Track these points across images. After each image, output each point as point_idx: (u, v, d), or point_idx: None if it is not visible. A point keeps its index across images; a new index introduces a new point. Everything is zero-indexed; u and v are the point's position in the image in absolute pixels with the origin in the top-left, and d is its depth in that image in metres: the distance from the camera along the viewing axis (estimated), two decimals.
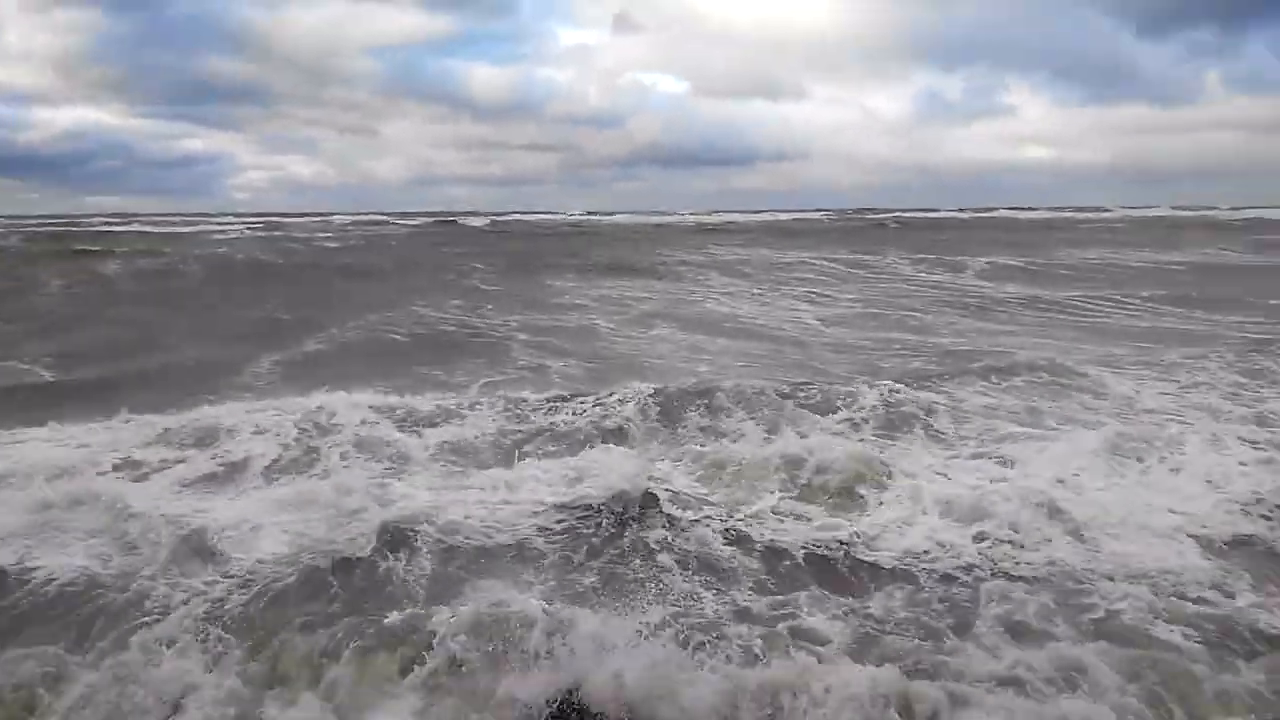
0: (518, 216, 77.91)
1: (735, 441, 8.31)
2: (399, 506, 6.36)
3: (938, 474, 7.29)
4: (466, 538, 5.90)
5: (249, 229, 51.77)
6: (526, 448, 8.22)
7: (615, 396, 9.56)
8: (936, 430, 8.70)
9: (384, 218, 72.45)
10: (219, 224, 60.00)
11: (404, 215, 77.42)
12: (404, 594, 5.19)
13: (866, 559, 5.71)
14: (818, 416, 9.09)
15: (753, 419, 9.02)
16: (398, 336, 15.38)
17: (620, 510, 6.30)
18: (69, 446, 8.08)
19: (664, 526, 6.08)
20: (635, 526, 6.10)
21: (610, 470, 6.97)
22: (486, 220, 66.90)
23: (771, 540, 5.95)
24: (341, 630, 4.64)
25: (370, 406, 9.22)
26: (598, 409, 9.26)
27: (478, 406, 9.47)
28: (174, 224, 58.57)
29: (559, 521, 6.21)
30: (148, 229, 49.84)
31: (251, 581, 5.26)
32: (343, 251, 36.39)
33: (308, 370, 11.94)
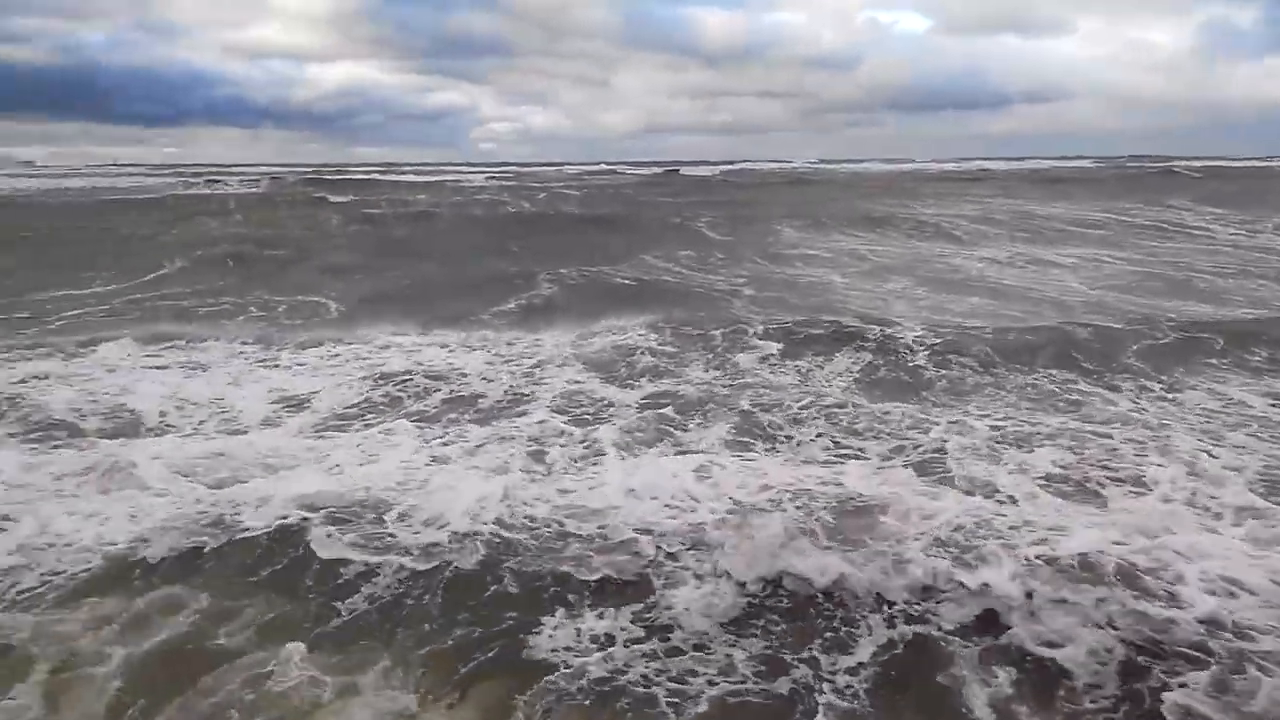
0: (747, 165, 76.67)
1: None
2: None
3: None
4: None
5: (491, 179, 54.71)
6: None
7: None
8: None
9: (612, 167, 73.96)
10: (466, 174, 64.06)
11: (634, 164, 78.59)
12: None
13: None
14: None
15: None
16: (624, 282, 15.41)
17: None
18: None
19: None
20: None
21: None
22: (715, 170, 66.48)
23: None
24: None
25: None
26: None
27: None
28: (429, 174, 63.16)
29: None
30: (409, 178, 54.04)
31: None
32: (574, 201, 37.39)
33: (536, 314, 12.30)
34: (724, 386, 8.48)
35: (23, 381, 8.63)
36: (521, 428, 7.27)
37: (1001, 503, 5.55)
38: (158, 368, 9.40)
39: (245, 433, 7.29)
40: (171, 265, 18.08)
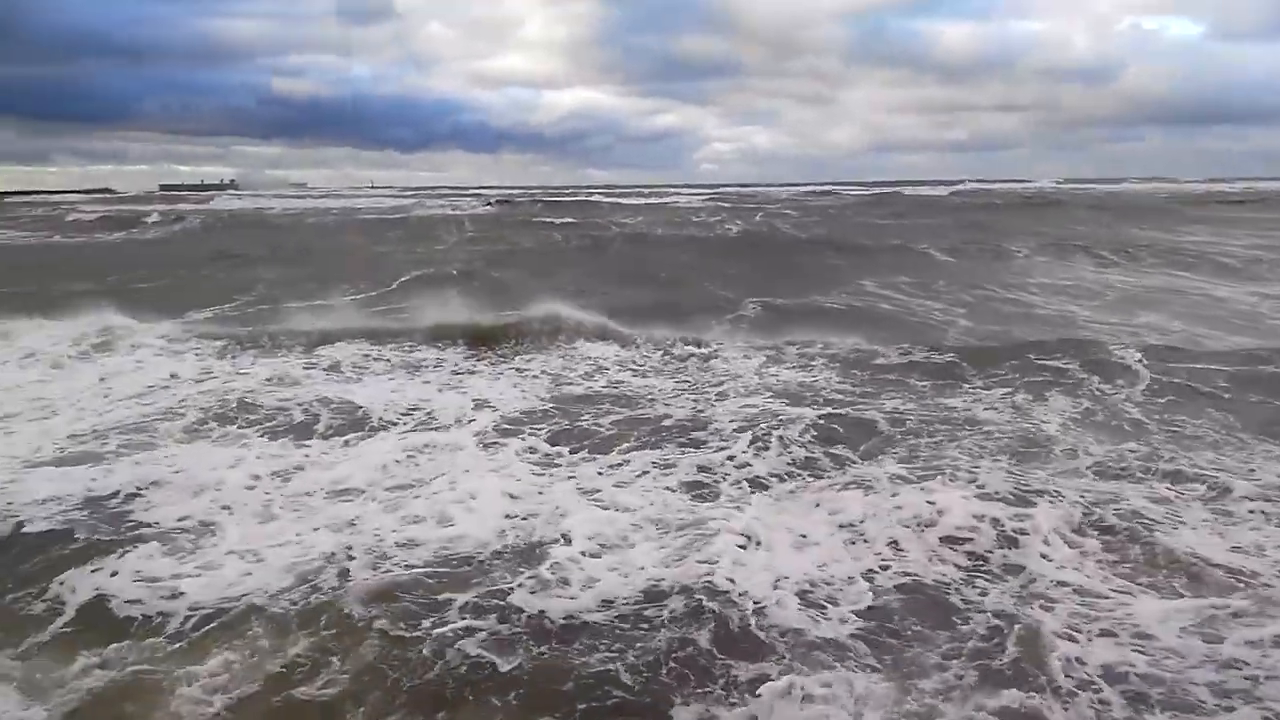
0: (980, 185, 72.36)
1: None
2: None
3: None
4: None
5: (710, 200, 55.14)
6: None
7: None
8: None
9: (832, 188, 72.36)
10: (684, 194, 65.16)
11: (857, 184, 76.51)
12: None
13: None
14: None
15: None
16: (834, 306, 14.79)
17: None
18: None
19: None
20: None
21: None
22: (944, 190, 63.29)
23: None
24: None
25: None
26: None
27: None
28: (647, 195, 64.72)
29: None
30: (630, 200, 55.64)
31: None
32: (789, 222, 36.74)
33: (739, 336, 11.98)
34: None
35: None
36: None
37: None
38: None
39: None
40: (408, 276, 19.42)
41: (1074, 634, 4.28)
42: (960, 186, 69.16)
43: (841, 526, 5.55)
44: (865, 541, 5.35)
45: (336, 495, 6.26)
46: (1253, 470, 6.49)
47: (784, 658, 4.14)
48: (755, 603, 4.59)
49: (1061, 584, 4.80)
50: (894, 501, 5.85)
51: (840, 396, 8.94)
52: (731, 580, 4.80)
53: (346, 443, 7.55)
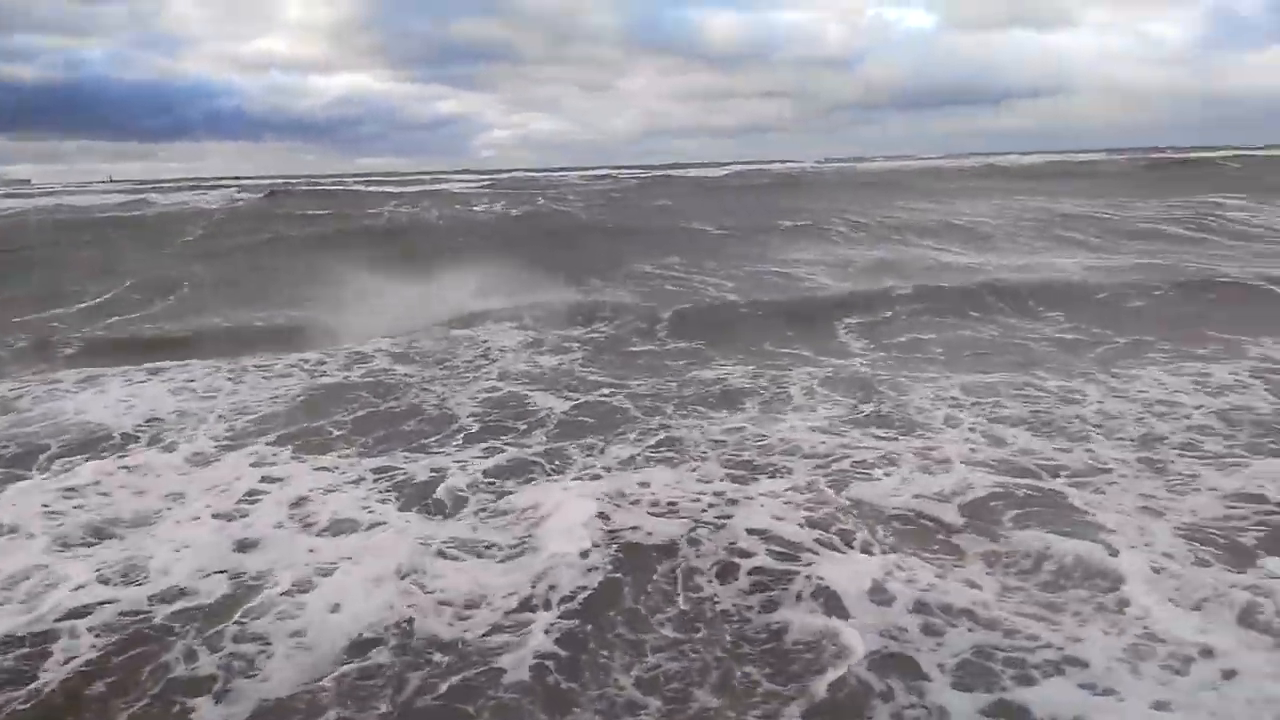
0: (747, 167, 75.89)
1: None
2: None
3: None
4: None
5: (486, 187, 54.14)
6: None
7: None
8: None
9: (612, 171, 73.39)
10: (458, 181, 63.69)
11: (638, 168, 77.95)
12: None
13: None
14: None
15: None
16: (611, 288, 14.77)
17: None
18: None
19: None
20: None
21: None
22: (719, 171, 65.84)
23: None
24: None
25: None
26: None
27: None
28: (417, 183, 62.54)
29: None
30: (388, 188, 53.47)
31: None
32: (570, 205, 36.71)
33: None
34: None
35: None
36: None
37: None
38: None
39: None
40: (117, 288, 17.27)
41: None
42: (735, 168, 72.22)
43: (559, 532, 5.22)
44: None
45: None
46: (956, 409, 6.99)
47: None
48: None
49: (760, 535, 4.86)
50: (600, 486, 5.75)
51: (597, 379, 8.87)
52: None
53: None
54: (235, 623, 4.20)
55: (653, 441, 6.78)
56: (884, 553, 4.73)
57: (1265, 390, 7.49)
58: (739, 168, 73.42)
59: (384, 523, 5.38)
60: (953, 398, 7.67)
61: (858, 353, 9.76)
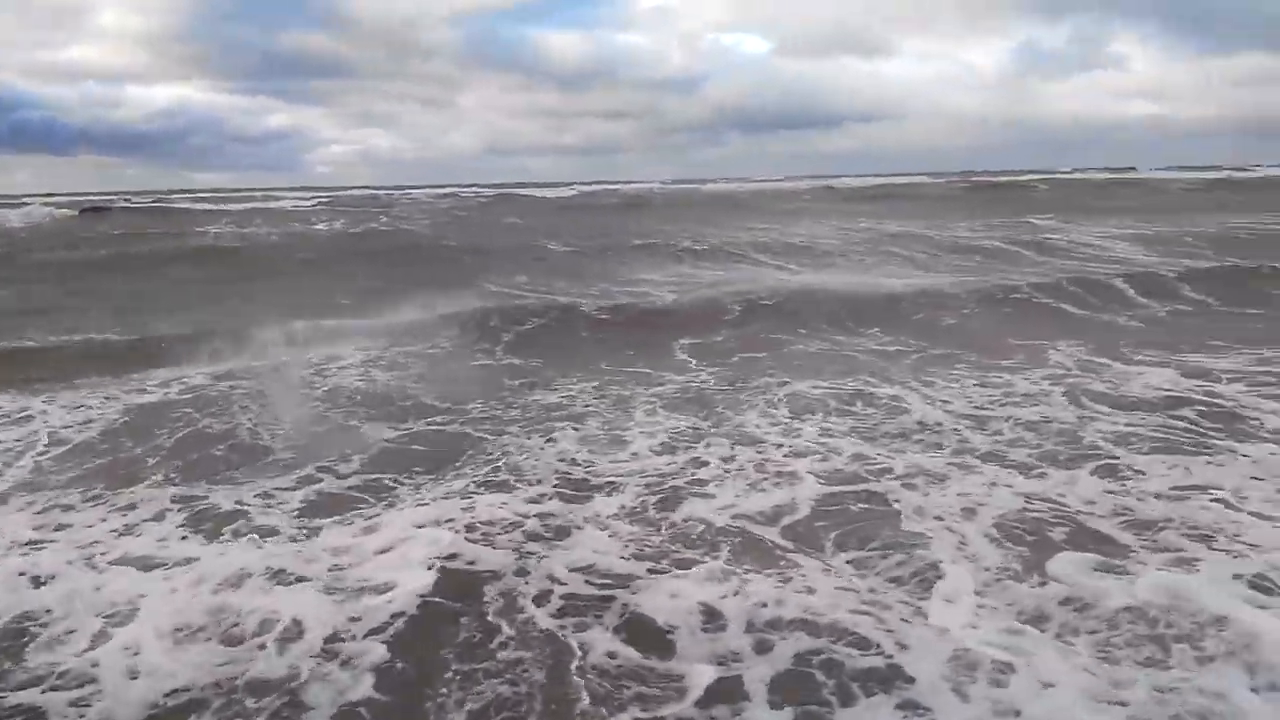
0: (595, 186, 76.56)
1: None
2: None
3: None
4: None
5: (321, 204, 52.05)
6: None
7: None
8: None
9: (457, 189, 72.33)
10: (289, 198, 61.06)
11: (483, 186, 77.01)
12: None
13: None
14: None
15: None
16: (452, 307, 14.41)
17: None
18: None
19: None
20: None
21: None
22: (567, 190, 66.04)
23: None
24: None
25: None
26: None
27: None
28: (245, 200, 59.39)
29: None
30: (223, 205, 50.59)
31: None
32: (414, 224, 35.77)
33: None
34: None
35: None
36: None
37: None
38: None
39: None
40: None
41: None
42: (582, 188, 72.60)
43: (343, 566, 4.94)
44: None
45: None
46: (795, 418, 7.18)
47: None
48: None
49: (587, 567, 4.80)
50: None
51: (431, 401, 8.60)
52: None
53: None
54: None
55: (485, 465, 6.58)
56: (720, 569, 4.72)
57: (1062, 396, 8.11)
58: (586, 187, 73.85)
59: (191, 558, 4.95)
60: (787, 410, 7.89)
61: (695, 369, 9.91)
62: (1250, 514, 5.20)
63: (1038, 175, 75.92)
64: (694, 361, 10.30)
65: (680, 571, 4.71)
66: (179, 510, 5.74)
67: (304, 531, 5.38)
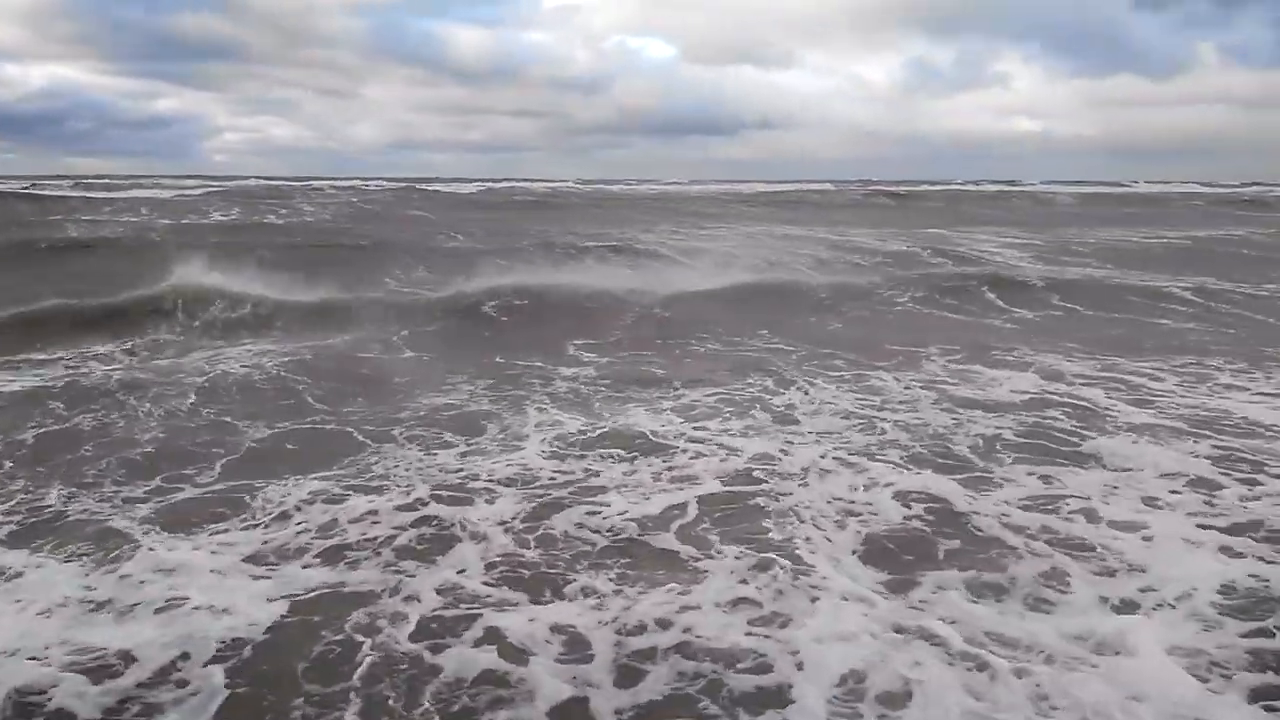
0: (501, 184, 75.85)
1: None
2: None
3: None
4: None
5: (210, 193, 50.04)
6: None
7: None
8: None
9: (360, 182, 70.54)
10: (184, 187, 58.52)
11: (385, 179, 75.19)
12: None
13: None
14: None
15: None
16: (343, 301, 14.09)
17: None
18: None
19: None
20: None
21: None
22: (470, 187, 65.27)
23: None
24: None
25: None
26: None
27: None
28: (142, 186, 56.63)
29: None
30: (103, 193, 48.06)
31: None
32: (307, 217, 34.76)
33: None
34: None
35: None
36: None
37: None
38: None
39: None
40: None
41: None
42: (488, 185, 71.78)
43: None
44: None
45: None
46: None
47: None
48: None
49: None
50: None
51: (315, 399, 8.44)
52: None
53: None
54: None
55: (357, 469, 6.45)
56: (600, 581, 4.69)
57: (932, 401, 8.51)
58: (492, 185, 73.02)
59: (18, 574, 4.68)
60: (673, 412, 8.01)
61: (590, 370, 9.97)
62: (1109, 523, 5.37)
63: (934, 186, 78.96)
64: (589, 361, 10.38)
65: (550, 591, 4.57)
66: (16, 522, 5.45)
67: (143, 547, 5.04)
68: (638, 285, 16.42)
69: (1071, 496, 5.86)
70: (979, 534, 5.29)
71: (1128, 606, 4.39)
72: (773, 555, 4.94)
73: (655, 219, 35.14)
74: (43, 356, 10.09)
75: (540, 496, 5.89)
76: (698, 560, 4.93)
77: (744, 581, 4.65)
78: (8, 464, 6.51)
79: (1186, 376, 9.33)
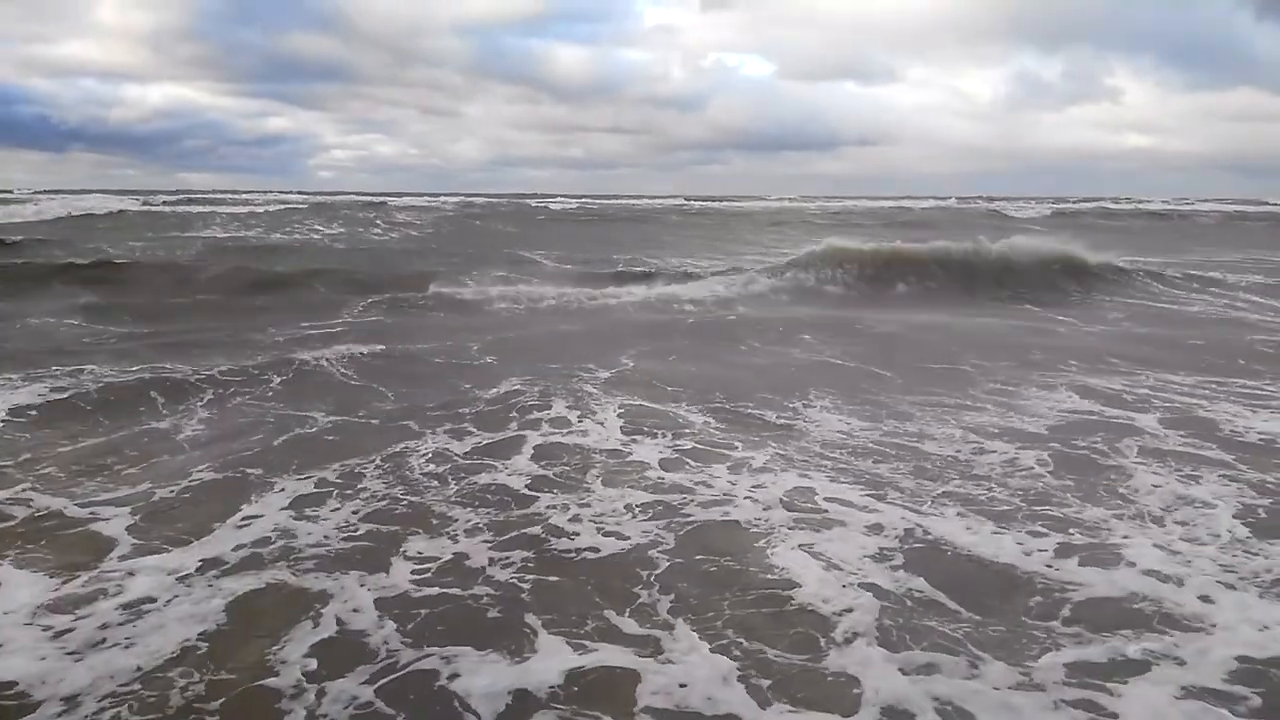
0: (603, 201, 75.95)
1: None
2: None
3: None
4: None
5: (292, 207, 51.33)
6: None
7: None
8: None
9: (465, 197, 71.73)
10: (291, 200, 60.50)
11: (488, 195, 76.26)
12: None
13: None
14: None
15: None
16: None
17: None
18: None
19: None
20: None
21: None
22: (571, 204, 65.52)
23: None
24: None
25: None
26: None
27: None
28: (252, 202, 58.80)
29: None
30: (220, 207, 49.99)
31: None
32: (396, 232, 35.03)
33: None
34: None
35: None
36: None
37: None
38: None
39: None
40: None
41: None
42: (589, 202, 71.86)
43: None
44: None
45: None
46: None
47: None
48: None
49: None
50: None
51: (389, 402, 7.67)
52: None
53: None
54: None
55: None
56: None
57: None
58: (592, 202, 73.12)
59: None
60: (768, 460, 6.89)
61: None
62: None
63: (1046, 202, 74.79)
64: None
65: None
66: None
67: None
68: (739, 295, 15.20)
69: None
70: None
71: None
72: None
73: (801, 233, 33.04)
74: None
75: None
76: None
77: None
78: None
79: None
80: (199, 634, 3.61)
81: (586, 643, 3.58)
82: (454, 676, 3.34)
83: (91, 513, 4.92)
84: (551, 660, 3.46)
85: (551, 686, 3.28)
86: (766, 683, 3.31)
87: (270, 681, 3.28)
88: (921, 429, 6.71)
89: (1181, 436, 6.49)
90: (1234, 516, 4.89)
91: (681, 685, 3.29)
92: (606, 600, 3.95)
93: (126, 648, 3.50)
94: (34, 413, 7.00)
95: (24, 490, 5.25)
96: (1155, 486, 5.40)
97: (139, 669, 3.36)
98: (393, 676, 3.35)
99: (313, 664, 3.41)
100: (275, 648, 3.52)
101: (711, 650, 3.52)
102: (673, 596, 3.97)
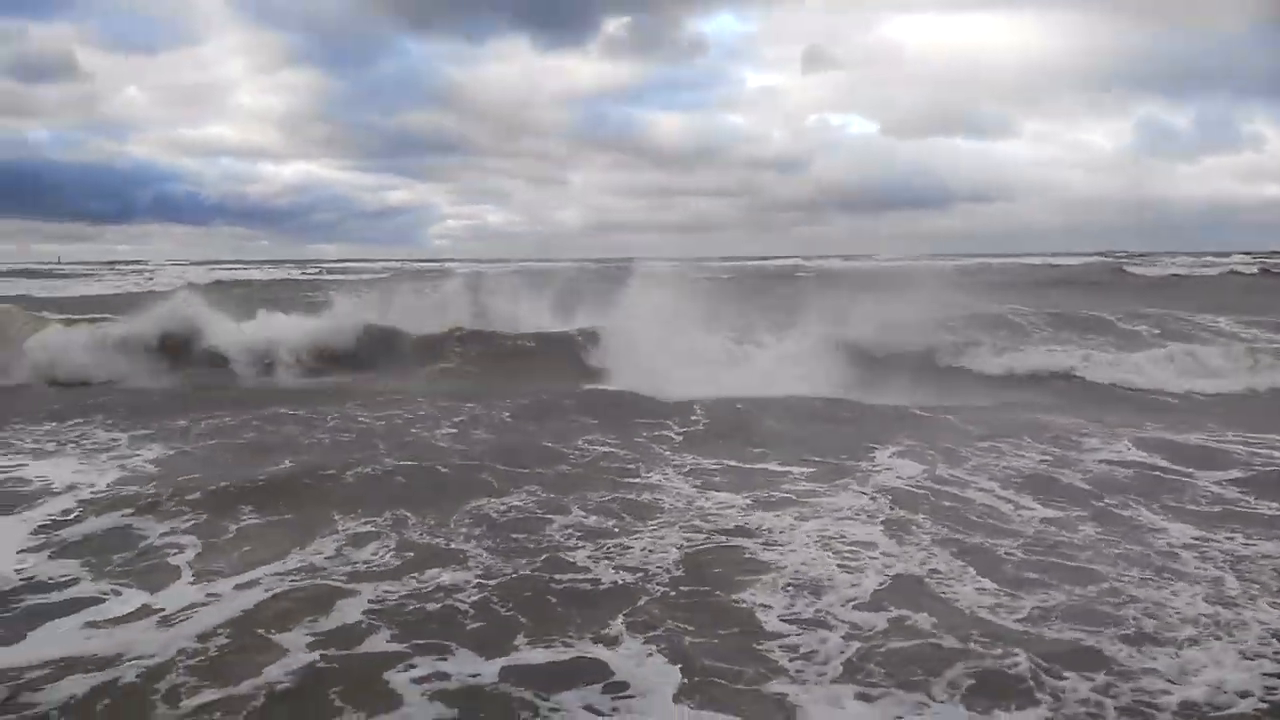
0: (710, 262, 75.70)
1: None
2: None
3: None
4: None
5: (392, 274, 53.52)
6: None
7: None
8: None
9: (568, 263, 73.25)
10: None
11: (590, 260, 77.38)
12: None
13: None
14: None
15: None
16: None
17: None
18: None
19: None
20: None
21: None
22: (665, 265, 65.58)
23: None
24: None
25: None
26: None
27: None
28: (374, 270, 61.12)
29: None
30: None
31: None
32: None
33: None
34: None
35: None
36: None
37: None
38: None
39: None
40: None
41: None
42: (703, 263, 71.54)
43: None
44: None
45: None
46: None
47: None
48: None
49: None
50: None
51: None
52: None
53: None
54: None
55: None
56: None
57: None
58: (712, 263, 72.54)
59: None
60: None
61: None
62: None
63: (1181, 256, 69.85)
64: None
65: None
66: None
67: None
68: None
69: None
70: None
71: None
72: None
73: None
74: None
75: None
76: None
77: None
78: None
79: None
80: None
81: None
82: None
83: None
84: None
85: None
86: None
87: None
88: None
89: None
90: None
91: None
92: None
93: None
94: None
95: None
96: None
97: None
98: None
99: None
100: None
101: None
102: None
